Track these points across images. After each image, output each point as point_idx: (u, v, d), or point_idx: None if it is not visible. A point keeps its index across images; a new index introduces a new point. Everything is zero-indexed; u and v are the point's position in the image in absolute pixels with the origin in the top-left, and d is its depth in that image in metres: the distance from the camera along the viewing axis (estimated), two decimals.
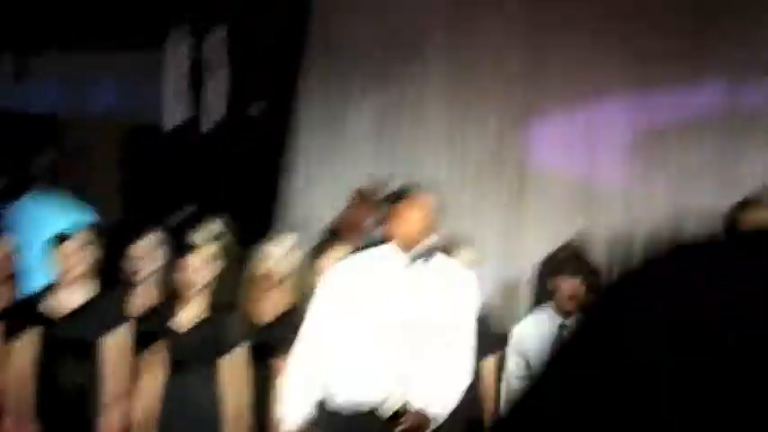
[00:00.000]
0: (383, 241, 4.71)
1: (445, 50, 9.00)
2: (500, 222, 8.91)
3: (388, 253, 4.60)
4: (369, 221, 8.46)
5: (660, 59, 8.78)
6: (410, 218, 4.52)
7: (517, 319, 5.99)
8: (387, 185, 8.85)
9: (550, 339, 5.35)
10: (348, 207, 8.33)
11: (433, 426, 4.37)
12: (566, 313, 5.36)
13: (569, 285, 5.34)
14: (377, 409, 4.41)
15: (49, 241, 5.50)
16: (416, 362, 4.45)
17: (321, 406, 4.60)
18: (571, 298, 5.34)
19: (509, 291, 8.57)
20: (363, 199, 8.41)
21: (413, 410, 4.34)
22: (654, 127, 8.90)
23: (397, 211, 4.56)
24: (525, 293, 8.16)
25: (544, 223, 8.88)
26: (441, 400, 4.44)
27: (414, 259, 4.51)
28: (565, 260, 5.43)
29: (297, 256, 5.77)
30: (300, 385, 4.61)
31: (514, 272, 8.45)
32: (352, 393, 4.50)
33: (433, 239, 4.54)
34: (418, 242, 4.50)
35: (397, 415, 4.36)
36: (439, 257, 4.70)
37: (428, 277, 4.52)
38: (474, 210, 8.90)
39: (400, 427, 4.31)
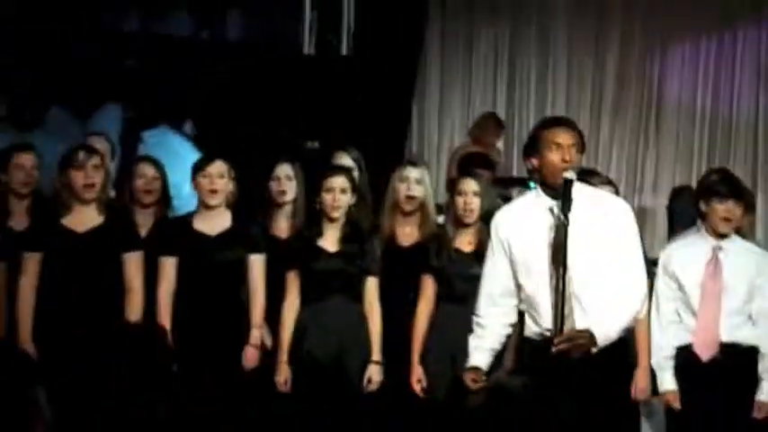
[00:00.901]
0: (529, 178, 4.65)
1: None
2: (629, 154, 8.86)
3: (536, 195, 4.58)
4: (497, 147, 8.47)
5: None
6: (553, 150, 4.46)
7: (655, 248, 5.89)
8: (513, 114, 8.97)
9: (704, 261, 5.25)
10: (476, 132, 8.30)
11: (598, 344, 4.32)
12: (720, 235, 5.24)
13: (725, 207, 5.20)
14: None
15: (191, 168, 5.52)
16: (588, 291, 4.44)
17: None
18: (726, 220, 5.21)
19: (642, 221, 8.52)
20: (491, 124, 8.37)
21: (578, 330, 4.32)
22: None
23: (541, 143, 4.50)
24: (659, 223, 8.09)
25: (673, 155, 8.82)
26: (607, 323, 4.40)
27: (565, 192, 4.42)
28: (718, 183, 5.28)
29: (431, 181, 5.78)
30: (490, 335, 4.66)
31: (649, 202, 8.39)
32: (535, 327, 4.53)
33: (571, 173, 4.44)
34: (563, 173, 4.43)
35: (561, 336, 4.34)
36: (588, 189, 4.65)
37: (584, 209, 4.44)
38: (603, 142, 8.86)
39: (561, 344, 4.27)
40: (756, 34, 8.77)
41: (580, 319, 4.38)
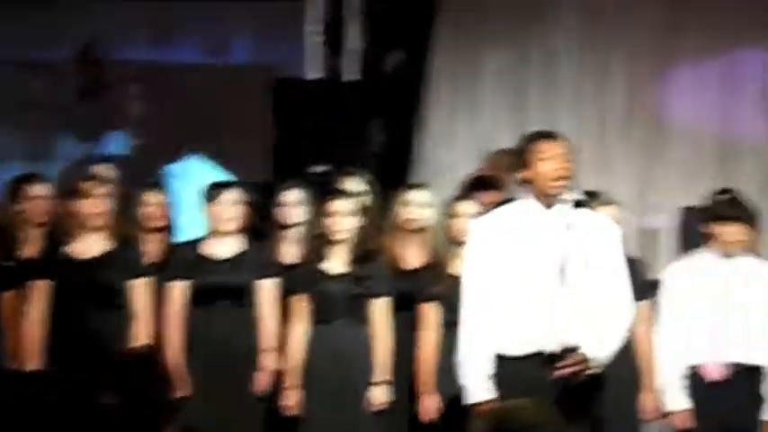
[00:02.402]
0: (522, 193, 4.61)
1: (576, 3, 8.90)
2: (635, 177, 8.83)
3: (529, 206, 4.49)
4: (507, 178, 8.42)
5: None
6: (545, 161, 4.42)
7: (655, 270, 5.86)
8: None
9: (711, 280, 5.23)
10: (486, 162, 8.27)
11: (594, 367, 4.28)
12: (727, 255, 5.20)
13: (733, 230, 5.17)
14: (540, 354, 4.34)
15: (203, 194, 5.54)
16: (576, 308, 4.37)
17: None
18: (734, 242, 5.18)
19: (647, 242, 8.50)
20: (502, 156, 8.34)
21: (577, 352, 4.26)
22: None
23: (531, 155, 4.45)
24: (663, 244, 8.06)
25: (679, 177, 8.79)
26: (603, 344, 4.36)
27: (555, 210, 4.41)
28: (726, 205, 5.26)
29: (436, 205, 5.74)
30: (479, 350, 4.48)
31: (651, 224, 8.34)
32: (518, 343, 4.42)
33: (572, 194, 4.42)
34: (555, 188, 4.40)
35: (559, 358, 4.27)
36: (580, 210, 4.57)
37: (572, 227, 4.41)
38: (608, 165, 8.83)
39: (562, 368, 4.22)
40: (761, 54, 8.75)
41: (572, 338, 4.31)
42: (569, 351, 4.25)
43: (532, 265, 4.40)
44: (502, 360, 4.41)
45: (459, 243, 5.29)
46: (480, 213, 5.28)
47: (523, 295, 4.40)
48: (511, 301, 4.41)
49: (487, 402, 4.32)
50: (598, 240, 4.48)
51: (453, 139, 9.03)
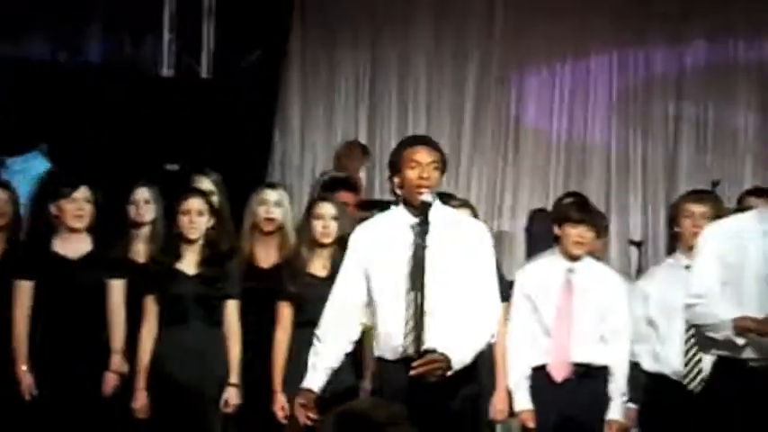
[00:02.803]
0: (392, 198, 4.67)
1: (429, 6, 8.99)
2: (487, 180, 8.96)
3: (397, 213, 4.53)
4: (361, 173, 8.47)
5: (642, 19, 8.84)
6: (413, 168, 4.45)
7: (513, 270, 5.94)
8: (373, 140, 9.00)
9: (558, 283, 5.32)
10: (339, 159, 8.29)
11: (454, 367, 4.27)
12: (573, 258, 5.31)
13: (577, 231, 5.29)
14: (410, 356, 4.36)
15: (49, 192, 5.42)
16: (439, 310, 4.40)
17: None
18: (579, 243, 5.29)
19: (500, 244, 8.61)
20: (356, 152, 8.36)
21: (433, 353, 4.27)
22: (635, 85, 8.96)
23: (401, 161, 4.48)
24: (516, 246, 8.20)
25: (530, 180, 8.95)
26: (466, 345, 4.37)
27: (422, 214, 4.41)
28: (571, 207, 5.38)
29: (291, 203, 5.77)
30: (330, 348, 4.57)
31: (504, 226, 8.50)
32: (385, 348, 4.48)
33: (430, 196, 4.42)
34: (419, 195, 4.43)
35: (423, 356, 4.29)
36: (449, 211, 4.65)
37: (442, 230, 4.44)
38: (461, 168, 8.94)
39: (419, 367, 4.22)
40: (608, 62, 8.97)
41: (433, 340, 4.32)
42: (427, 353, 4.26)
43: (392, 271, 4.43)
44: (382, 363, 4.50)
45: (319, 244, 5.34)
46: (338, 215, 5.37)
47: (385, 301, 4.44)
48: (377, 308, 4.47)
49: (307, 393, 4.47)
50: (467, 243, 4.51)
51: (310, 138, 9.04)
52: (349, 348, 4.60)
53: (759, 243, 4.57)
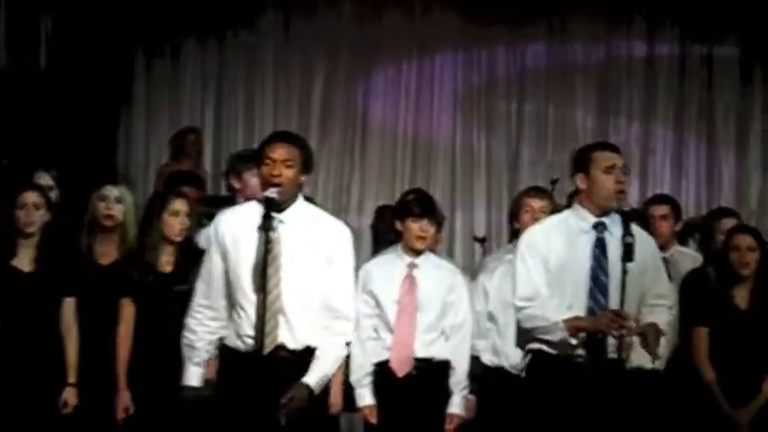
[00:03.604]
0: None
1: (276, 2, 8.93)
2: (335, 177, 8.93)
3: (256, 206, 4.49)
4: (203, 167, 8.34)
5: (485, 20, 8.93)
6: (267, 165, 4.43)
7: (357, 265, 5.91)
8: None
9: (400, 278, 5.31)
10: (174, 147, 8.15)
11: (316, 391, 4.37)
12: (415, 252, 5.30)
13: (419, 226, 5.28)
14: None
15: None
16: (296, 310, 4.41)
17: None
18: (421, 238, 5.29)
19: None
20: (189, 139, 8.23)
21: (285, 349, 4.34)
22: (479, 84, 9.05)
23: (260, 158, 4.46)
24: (363, 242, 8.16)
25: (377, 175, 8.96)
26: (325, 360, 4.43)
27: (267, 210, 4.38)
28: (413, 203, 5.37)
29: (132, 201, 5.63)
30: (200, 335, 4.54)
31: (355, 222, 8.47)
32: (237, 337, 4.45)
33: (276, 193, 4.39)
34: (270, 190, 4.41)
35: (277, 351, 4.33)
36: (310, 208, 4.63)
37: (300, 228, 4.44)
38: (315, 164, 8.87)
39: (287, 404, 4.28)
40: (453, 60, 9.04)
41: (284, 336, 4.34)
42: (280, 349, 4.31)
43: (243, 269, 4.40)
44: (232, 352, 4.48)
45: (169, 240, 5.26)
46: (189, 211, 5.29)
47: (239, 296, 4.41)
48: (233, 301, 4.44)
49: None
50: (327, 241, 4.49)
51: (155, 133, 8.87)
52: (218, 336, 4.53)
53: (579, 241, 4.61)
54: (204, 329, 4.50)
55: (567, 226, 4.67)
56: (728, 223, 5.94)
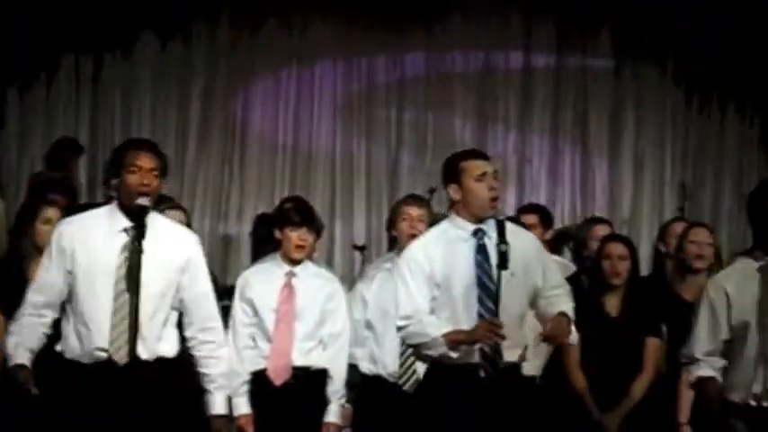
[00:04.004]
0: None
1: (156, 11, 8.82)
2: (213, 184, 8.86)
3: (109, 213, 4.48)
4: (77, 175, 8.18)
5: (364, 28, 8.97)
6: (134, 171, 4.41)
7: (237, 273, 5.90)
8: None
9: (278, 287, 5.28)
10: (53, 156, 8.00)
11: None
12: (293, 261, 5.30)
13: (297, 234, 5.28)
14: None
15: None
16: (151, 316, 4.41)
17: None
18: (299, 247, 5.29)
19: (226, 248, 8.55)
20: (67, 148, 8.08)
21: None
22: (359, 91, 9.08)
23: (121, 165, 4.43)
24: (242, 250, 8.13)
25: (256, 183, 8.91)
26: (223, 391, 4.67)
27: (139, 218, 4.37)
28: (291, 212, 5.35)
29: (2, 209, 5.51)
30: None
31: (234, 230, 8.43)
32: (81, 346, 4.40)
33: (148, 201, 4.40)
34: (139, 196, 4.40)
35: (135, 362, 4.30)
36: (162, 219, 4.62)
37: (155, 238, 4.40)
38: (186, 172, 8.80)
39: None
40: (333, 68, 9.04)
41: (140, 346, 4.31)
42: (137, 360, 4.30)
43: (100, 273, 4.37)
44: (71, 364, 4.43)
45: (40, 249, 5.02)
46: (51, 220, 5.13)
47: (86, 310, 4.37)
48: (76, 308, 4.39)
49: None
50: (181, 250, 4.51)
51: (29, 139, 8.70)
52: (41, 344, 4.46)
53: (461, 250, 4.64)
54: (31, 337, 4.41)
55: (446, 237, 4.68)
56: (601, 231, 6.07)
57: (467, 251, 4.62)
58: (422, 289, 4.61)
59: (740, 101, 9.07)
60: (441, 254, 4.64)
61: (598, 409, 5.38)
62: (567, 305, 4.67)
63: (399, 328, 4.69)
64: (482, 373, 4.49)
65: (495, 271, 4.51)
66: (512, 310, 4.53)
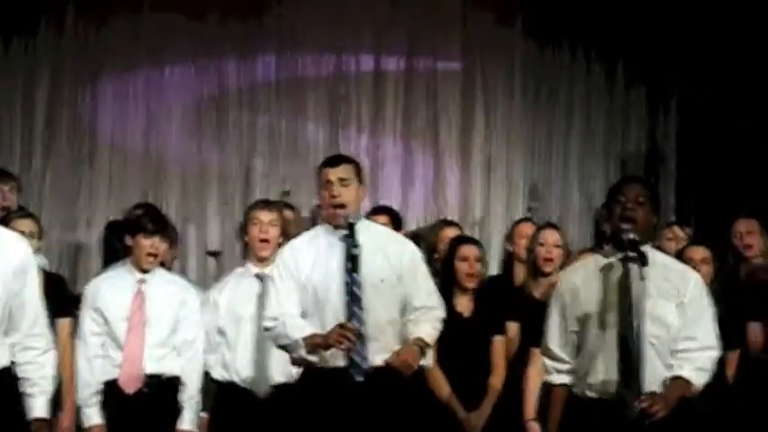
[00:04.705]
0: None
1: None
2: (67, 189, 8.68)
3: None
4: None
5: (216, 32, 8.92)
6: None
7: (86, 281, 5.83)
8: None
9: (129, 295, 5.27)
10: None
11: None
12: (143, 270, 5.26)
13: (150, 242, 5.25)
14: None
15: None
16: None
17: None
18: (151, 255, 5.27)
19: (80, 256, 8.40)
20: None
21: None
22: (211, 95, 9.02)
23: None
24: (95, 257, 8.01)
25: (106, 189, 8.76)
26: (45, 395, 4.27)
27: None
28: (144, 219, 5.32)
29: None
30: None
31: (83, 237, 8.28)
32: None
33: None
34: None
35: None
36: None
37: None
38: (37, 179, 8.61)
39: None
40: (184, 72, 8.96)
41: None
42: None
43: None
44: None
45: None
46: None
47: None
48: None
49: None
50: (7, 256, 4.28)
51: None
52: None
53: (330, 255, 4.68)
54: None
55: (317, 242, 4.74)
56: (450, 233, 6.19)
57: (336, 256, 4.66)
58: (290, 292, 4.66)
59: (586, 101, 9.33)
60: (309, 259, 4.69)
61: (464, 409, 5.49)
62: (427, 330, 4.73)
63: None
64: (358, 377, 4.54)
65: (362, 276, 4.58)
66: (379, 315, 4.61)
